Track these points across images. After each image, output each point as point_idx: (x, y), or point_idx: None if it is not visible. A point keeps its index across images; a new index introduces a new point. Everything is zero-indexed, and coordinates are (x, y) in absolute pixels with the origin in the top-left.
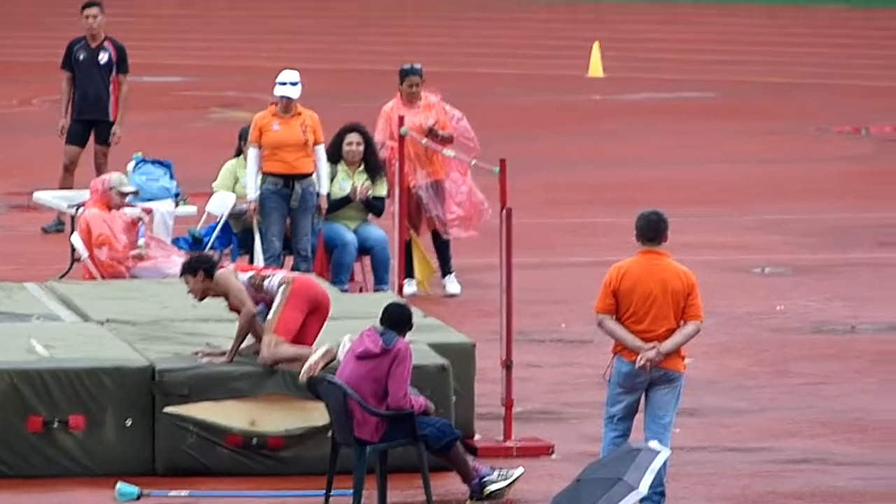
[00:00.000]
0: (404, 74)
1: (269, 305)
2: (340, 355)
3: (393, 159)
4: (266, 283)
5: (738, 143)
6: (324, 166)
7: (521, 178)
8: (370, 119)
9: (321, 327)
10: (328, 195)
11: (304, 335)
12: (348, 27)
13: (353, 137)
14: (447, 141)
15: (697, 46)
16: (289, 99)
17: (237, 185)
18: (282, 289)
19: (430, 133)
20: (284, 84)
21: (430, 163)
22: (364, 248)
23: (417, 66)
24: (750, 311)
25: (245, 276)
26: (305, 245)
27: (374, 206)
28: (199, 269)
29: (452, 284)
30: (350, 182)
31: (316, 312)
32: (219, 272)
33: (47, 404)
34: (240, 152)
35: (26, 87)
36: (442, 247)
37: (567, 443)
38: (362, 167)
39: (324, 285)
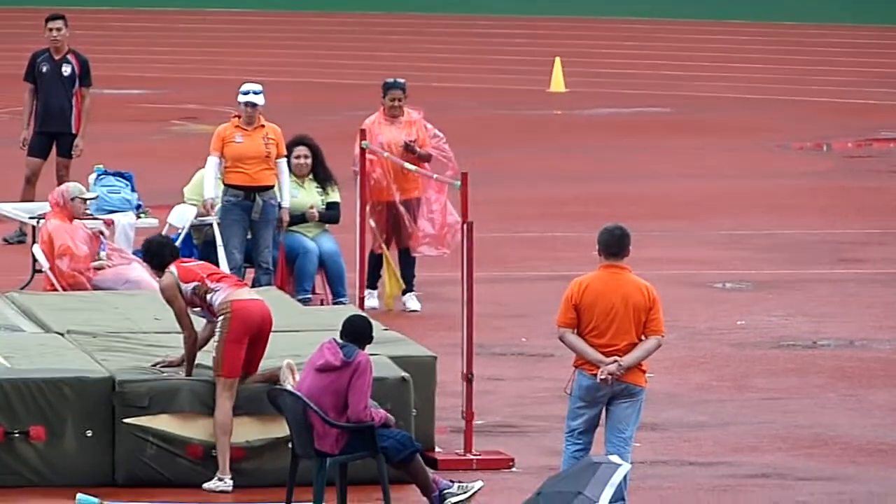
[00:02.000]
0: (387, 88)
1: (212, 315)
2: (283, 379)
3: (372, 171)
4: (209, 297)
5: (698, 158)
6: (286, 179)
7: (482, 192)
8: (332, 132)
9: (265, 347)
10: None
11: (249, 362)
12: (310, 41)
13: (301, 150)
14: (424, 159)
15: (658, 62)
16: (253, 105)
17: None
18: (220, 321)
19: (407, 149)
20: (248, 93)
21: (405, 180)
22: (319, 260)
23: (401, 80)
24: (711, 326)
25: (190, 287)
26: (267, 257)
27: (328, 216)
28: (146, 260)
29: (413, 301)
30: (301, 191)
31: (258, 338)
32: (165, 281)
33: (8, 415)
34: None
35: None
36: (407, 264)
37: (527, 456)
38: (311, 177)
39: (283, 299)
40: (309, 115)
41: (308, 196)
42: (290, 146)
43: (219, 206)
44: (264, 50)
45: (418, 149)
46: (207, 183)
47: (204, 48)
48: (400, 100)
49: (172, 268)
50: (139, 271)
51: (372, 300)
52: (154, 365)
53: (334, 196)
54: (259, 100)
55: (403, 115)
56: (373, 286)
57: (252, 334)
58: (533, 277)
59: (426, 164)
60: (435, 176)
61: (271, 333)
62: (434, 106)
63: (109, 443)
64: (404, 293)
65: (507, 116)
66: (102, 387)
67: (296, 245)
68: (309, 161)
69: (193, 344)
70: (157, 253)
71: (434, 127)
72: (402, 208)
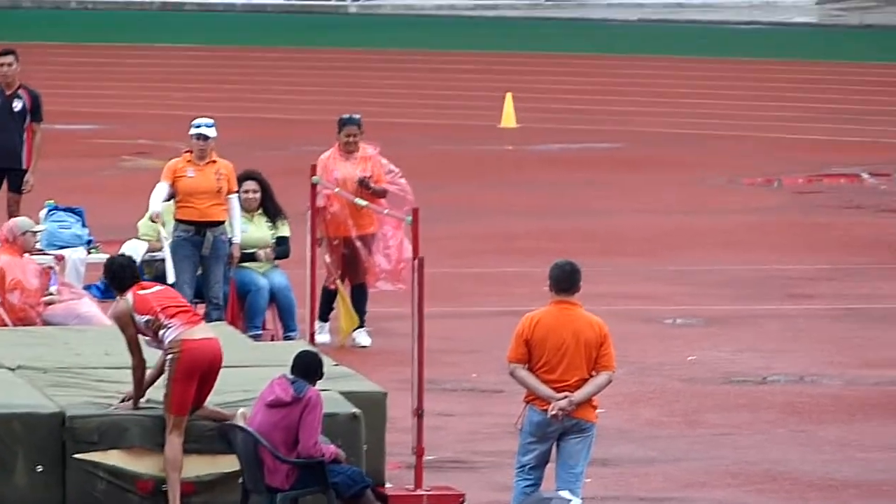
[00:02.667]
0: (342, 124)
1: (162, 350)
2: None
3: (329, 207)
4: (161, 332)
5: (649, 193)
6: (237, 215)
7: (434, 227)
8: (283, 167)
9: (214, 382)
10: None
11: (198, 398)
12: (260, 77)
13: (250, 185)
14: (379, 195)
15: (609, 97)
16: (205, 138)
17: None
18: (169, 359)
19: (362, 185)
20: (199, 126)
21: (359, 216)
22: (269, 296)
23: (356, 116)
24: (661, 362)
25: (143, 319)
26: (218, 292)
27: (278, 252)
28: (106, 279)
29: (363, 337)
30: (250, 226)
31: (207, 376)
32: (119, 308)
33: None
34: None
35: None
36: (360, 299)
37: (478, 492)
38: (261, 212)
39: (234, 335)
40: (259, 150)
41: (258, 231)
42: (240, 181)
43: (169, 226)
44: (214, 85)
45: (373, 185)
46: (155, 199)
47: (154, 83)
48: (355, 135)
49: (129, 295)
50: (89, 306)
51: (323, 335)
52: (109, 406)
53: (284, 231)
54: (211, 132)
55: (359, 150)
56: (324, 318)
57: (202, 373)
58: (484, 313)
59: (382, 200)
60: (386, 211)
61: (222, 369)
62: (386, 141)
63: (60, 478)
64: (356, 328)
65: (459, 152)
66: (53, 422)
67: (247, 281)
68: (258, 196)
69: (142, 373)
70: (116, 275)
71: (389, 162)
72: (358, 243)
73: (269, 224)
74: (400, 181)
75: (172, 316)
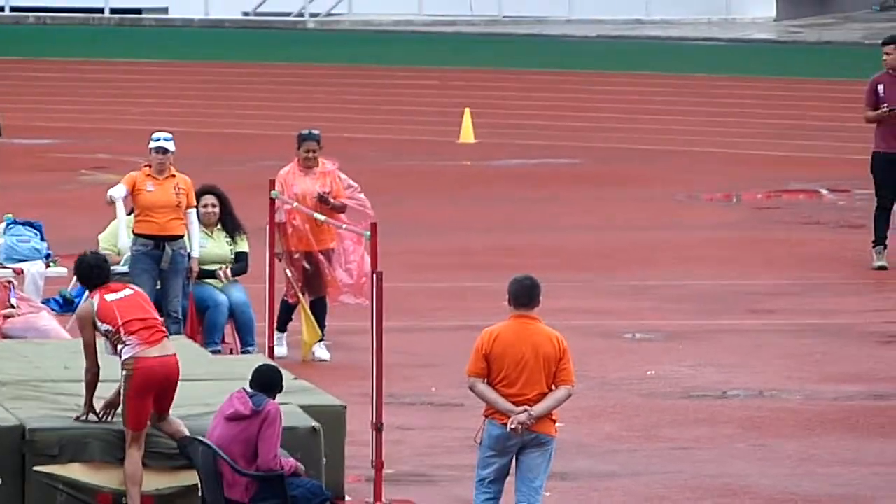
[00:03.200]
0: (302, 139)
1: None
2: None
3: (292, 220)
4: (119, 347)
5: (607, 209)
6: (195, 229)
7: (392, 242)
8: (241, 182)
9: (173, 396)
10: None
11: (159, 410)
12: (218, 92)
13: (208, 199)
14: (339, 210)
15: (567, 113)
16: (164, 151)
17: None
18: (123, 377)
19: (321, 200)
20: (159, 139)
21: (319, 231)
22: (228, 311)
23: (315, 131)
24: (621, 376)
25: (104, 327)
26: (176, 307)
27: (237, 268)
28: (76, 275)
29: (322, 351)
30: (209, 241)
31: (164, 392)
32: (83, 310)
33: None
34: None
35: None
36: (320, 312)
37: None
38: (220, 226)
39: (193, 348)
40: (217, 166)
41: (217, 247)
42: (198, 195)
43: (127, 254)
44: (172, 100)
45: (332, 200)
46: (118, 190)
47: (111, 98)
48: (314, 151)
49: (95, 299)
50: (47, 320)
51: (281, 348)
52: (77, 419)
53: (243, 246)
54: (170, 146)
55: (318, 165)
56: (282, 329)
57: (157, 391)
58: (443, 327)
59: (342, 215)
60: (344, 226)
61: (181, 382)
62: (344, 156)
63: (20, 490)
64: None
65: (418, 167)
66: (13, 435)
67: (205, 297)
68: (217, 210)
69: (94, 378)
70: (84, 275)
71: (348, 177)
72: (321, 257)
73: (228, 239)
74: (359, 196)
75: (132, 333)
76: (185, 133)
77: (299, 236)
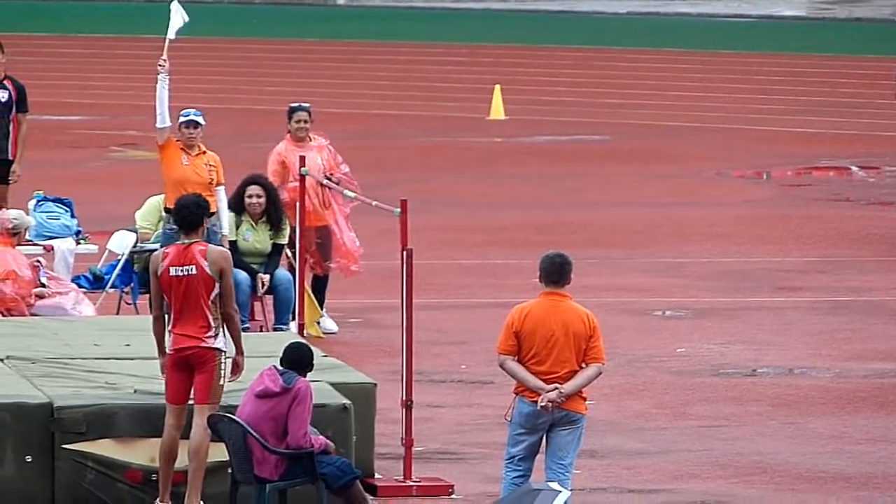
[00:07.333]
0: (292, 111)
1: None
2: None
3: (295, 200)
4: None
5: (637, 186)
6: (224, 207)
7: (420, 219)
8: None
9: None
10: (234, 243)
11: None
12: (248, 69)
13: (254, 190)
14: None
15: (597, 90)
16: (196, 125)
17: (160, 222)
18: (224, 353)
19: (326, 182)
20: (188, 114)
21: (326, 207)
22: (268, 288)
23: (305, 104)
24: (650, 354)
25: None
26: None
27: (269, 267)
28: (178, 222)
29: (331, 323)
30: (253, 233)
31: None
32: (226, 251)
33: None
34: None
35: None
36: (321, 287)
37: (467, 483)
38: (265, 218)
39: None
40: (246, 142)
41: (259, 241)
42: (244, 185)
43: (158, 231)
44: (202, 77)
45: (332, 177)
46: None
47: (142, 75)
48: (306, 121)
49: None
50: (76, 300)
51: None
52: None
53: (282, 239)
54: (201, 119)
55: (310, 139)
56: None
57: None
58: (473, 304)
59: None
60: (374, 203)
61: None
62: (373, 133)
63: (49, 468)
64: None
65: (447, 144)
66: (41, 412)
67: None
68: (262, 201)
69: (238, 324)
70: (189, 217)
71: (336, 152)
72: (333, 227)
73: (272, 232)
74: (345, 170)
75: None
76: (214, 110)
77: (312, 213)
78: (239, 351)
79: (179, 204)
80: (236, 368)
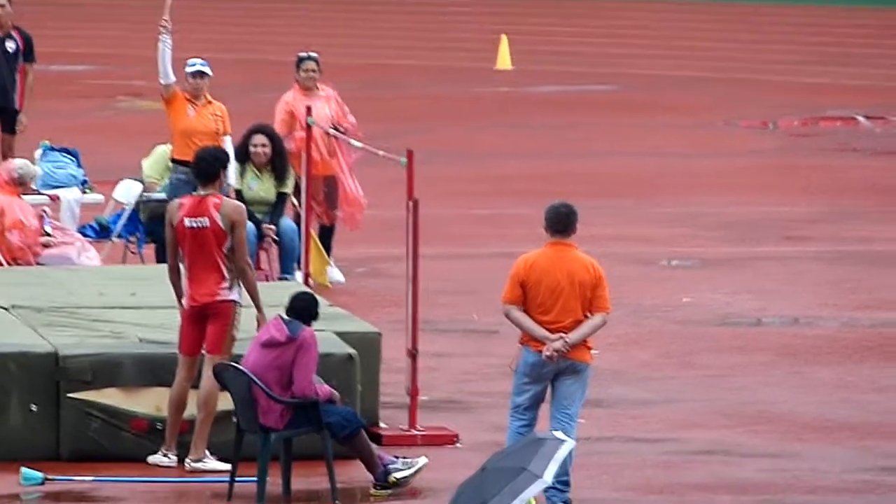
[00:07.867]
0: (300, 61)
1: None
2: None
3: (302, 150)
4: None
5: (644, 136)
6: (231, 157)
7: (427, 169)
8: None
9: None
10: (239, 192)
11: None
12: (254, 18)
13: (259, 139)
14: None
15: (604, 40)
16: (203, 75)
17: (167, 172)
18: (238, 305)
19: (333, 132)
20: (195, 65)
21: (333, 156)
22: (276, 236)
23: (314, 53)
24: (656, 303)
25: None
26: None
27: (275, 216)
28: (197, 173)
29: (338, 273)
30: (258, 182)
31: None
32: (241, 205)
33: None
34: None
35: None
36: (327, 237)
37: (472, 432)
38: (270, 167)
39: None
40: (253, 93)
41: (264, 189)
42: (250, 134)
43: (165, 181)
44: (208, 26)
45: (338, 126)
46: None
47: (148, 25)
48: (314, 70)
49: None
50: (82, 250)
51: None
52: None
53: (286, 188)
54: (208, 70)
55: (319, 89)
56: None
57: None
58: (479, 254)
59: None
60: (381, 153)
61: None
62: (381, 83)
63: (54, 417)
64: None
65: (454, 94)
66: (47, 361)
67: None
68: (267, 150)
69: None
70: (207, 169)
71: (343, 103)
72: (341, 176)
73: (277, 182)
74: (352, 120)
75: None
76: (221, 60)
77: (319, 162)
78: (258, 308)
79: (198, 156)
80: (259, 328)
